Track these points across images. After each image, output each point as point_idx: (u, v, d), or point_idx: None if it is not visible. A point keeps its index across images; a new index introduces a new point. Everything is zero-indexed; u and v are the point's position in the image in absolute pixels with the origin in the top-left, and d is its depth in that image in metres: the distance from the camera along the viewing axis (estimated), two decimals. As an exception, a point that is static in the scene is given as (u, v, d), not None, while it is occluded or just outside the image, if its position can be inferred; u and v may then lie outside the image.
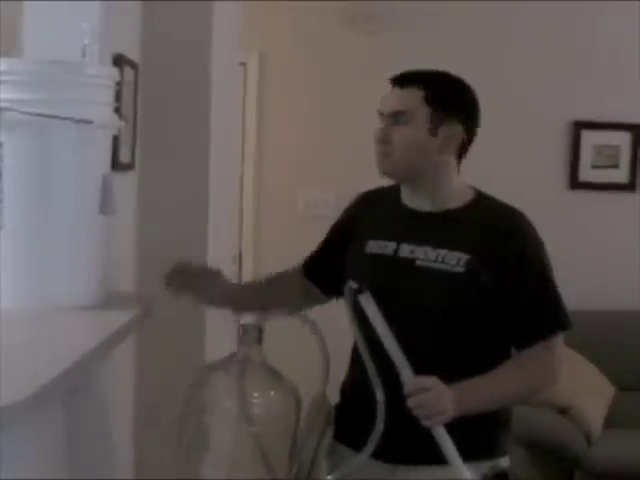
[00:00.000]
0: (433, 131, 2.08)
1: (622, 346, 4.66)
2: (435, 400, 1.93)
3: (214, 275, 2.32)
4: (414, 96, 2.08)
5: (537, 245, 2.11)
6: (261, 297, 2.39)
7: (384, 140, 2.10)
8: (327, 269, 2.29)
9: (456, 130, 2.10)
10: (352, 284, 1.98)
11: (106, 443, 2.25)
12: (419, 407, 1.93)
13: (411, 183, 2.14)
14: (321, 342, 2.02)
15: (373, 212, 2.21)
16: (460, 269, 2.04)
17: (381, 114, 2.13)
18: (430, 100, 2.08)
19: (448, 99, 2.11)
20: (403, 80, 2.11)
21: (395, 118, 2.09)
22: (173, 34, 2.82)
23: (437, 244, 2.07)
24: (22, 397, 1.32)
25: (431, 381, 1.95)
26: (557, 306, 2.10)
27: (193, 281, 2.29)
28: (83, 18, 2.07)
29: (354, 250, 2.17)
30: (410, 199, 2.15)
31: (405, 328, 1.97)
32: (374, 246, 2.14)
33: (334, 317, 2.22)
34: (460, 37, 4.86)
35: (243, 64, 4.70)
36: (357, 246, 2.17)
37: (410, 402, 1.93)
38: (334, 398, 2.17)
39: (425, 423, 1.94)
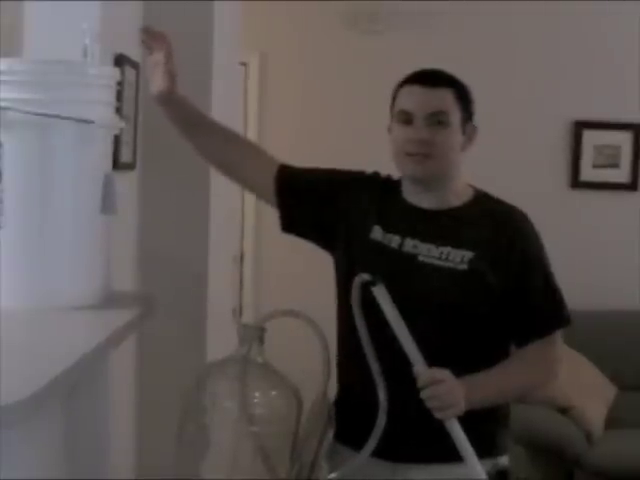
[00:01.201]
0: (463, 130, 2.11)
1: (623, 346, 4.66)
2: (448, 392, 1.94)
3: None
4: (448, 96, 2.08)
5: (538, 242, 2.14)
6: (218, 136, 2.29)
7: (426, 141, 2.06)
8: (299, 199, 2.23)
9: (474, 128, 2.14)
10: (365, 276, 1.94)
11: (106, 443, 2.25)
12: (433, 399, 1.94)
13: (433, 183, 2.12)
14: (322, 342, 2.02)
15: (379, 200, 2.18)
16: (464, 266, 2.05)
17: (409, 114, 2.07)
18: (459, 99, 2.09)
19: (469, 97, 2.13)
20: (435, 80, 2.10)
21: (434, 119, 2.06)
22: (174, 34, 2.81)
23: (441, 241, 2.08)
24: (22, 397, 1.32)
25: (444, 374, 1.95)
26: (559, 302, 2.13)
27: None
28: (84, 18, 2.07)
29: (358, 231, 2.14)
30: (415, 196, 2.14)
31: (408, 323, 1.96)
32: (379, 234, 2.12)
33: (335, 316, 2.22)
34: (461, 37, 4.86)
35: (244, 64, 4.70)
36: (361, 229, 2.14)
37: (424, 394, 1.94)
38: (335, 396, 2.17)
39: (438, 415, 1.94)
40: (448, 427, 1.94)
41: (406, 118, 2.08)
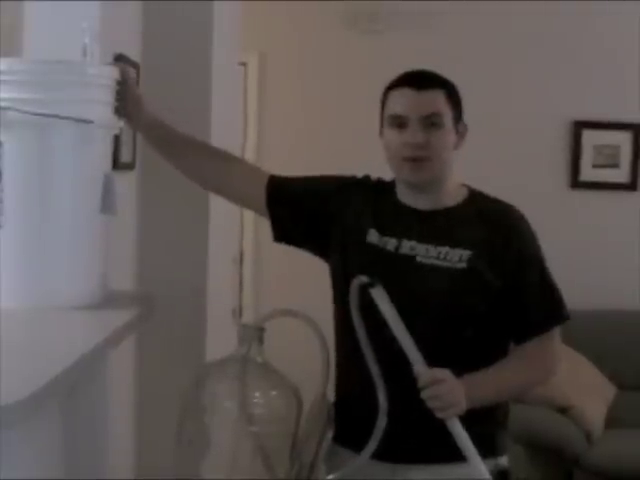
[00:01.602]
0: (456, 130, 2.10)
1: (622, 346, 4.67)
2: (449, 392, 1.94)
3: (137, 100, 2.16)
4: (440, 97, 2.07)
5: (534, 239, 2.14)
6: (201, 155, 2.29)
7: (422, 145, 2.05)
8: (290, 209, 2.22)
9: (465, 126, 2.14)
10: (362, 278, 1.94)
11: (105, 443, 2.25)
12: (434, 399, 1.93)
13: (429, 185, 2.11)
14: (322, 342, 2.01)
15: (373, 202, 2.17)
16: (462, 265, 2.05)
17: (402, 118, 2.06)
18: (450, 99, 2.09)
19: (458, 96, 2.13)
20: (425, 82, 2.09)
21: (429, 121, 2.05)
22: (174, 34, 2.82)
23: (438, 241, 2.08)
24: (21, 397, 1.31)
25: (445, 373, 1.95)
26: (556, 299, 2.13)
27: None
28: (83, 18, 2.07)
29: (354, 235, 2.14)
30: (410, 197, 2.14)
31: (407, 325, 1.96)
32: (375, 237, 2.12)
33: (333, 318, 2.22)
34: (461, 37, 4.86)
35: (243, 64, 4.70)
36: (356, 233, 2.13)
37: (424, 394, 1.93)
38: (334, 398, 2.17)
39: (439, 415, 1.94)
40: (449, 427, 1.93)
41: (400, 122, 2.07)
